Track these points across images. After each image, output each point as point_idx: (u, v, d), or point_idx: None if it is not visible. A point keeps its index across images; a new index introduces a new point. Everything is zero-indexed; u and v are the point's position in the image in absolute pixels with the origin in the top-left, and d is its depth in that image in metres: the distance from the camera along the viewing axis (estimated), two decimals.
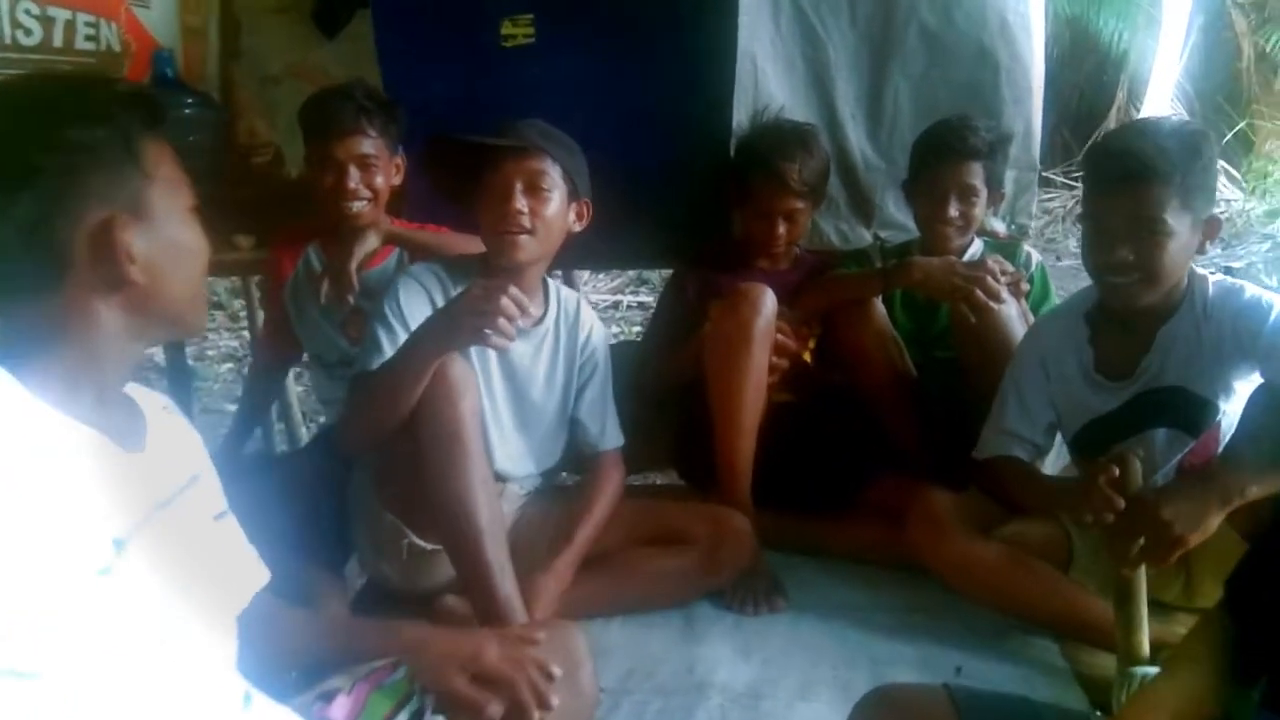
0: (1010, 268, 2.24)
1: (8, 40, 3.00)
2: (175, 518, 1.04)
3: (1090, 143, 2.03)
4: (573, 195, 1.98)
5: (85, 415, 0.97)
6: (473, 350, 1.97)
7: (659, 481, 2.72)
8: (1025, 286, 2.29)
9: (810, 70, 2.69)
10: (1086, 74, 7.89)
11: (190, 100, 3.09)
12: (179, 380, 3.27)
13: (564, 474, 2.30)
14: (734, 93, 2.62)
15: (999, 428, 2.03)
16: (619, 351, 2.73)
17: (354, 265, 2.25)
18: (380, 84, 2.58)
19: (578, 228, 2.02)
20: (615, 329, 5.57)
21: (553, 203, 1.92)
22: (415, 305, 1.92)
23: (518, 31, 2.66)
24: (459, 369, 1.76)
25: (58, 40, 3.21)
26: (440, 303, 1.93)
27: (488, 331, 1.63)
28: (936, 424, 2.30)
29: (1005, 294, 2.18)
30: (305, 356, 2.56)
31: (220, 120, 3.17)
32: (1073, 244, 7.40)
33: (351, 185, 2.24)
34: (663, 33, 2.62)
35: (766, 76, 2.65)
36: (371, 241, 2.36)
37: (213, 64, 3.47)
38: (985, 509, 2.03)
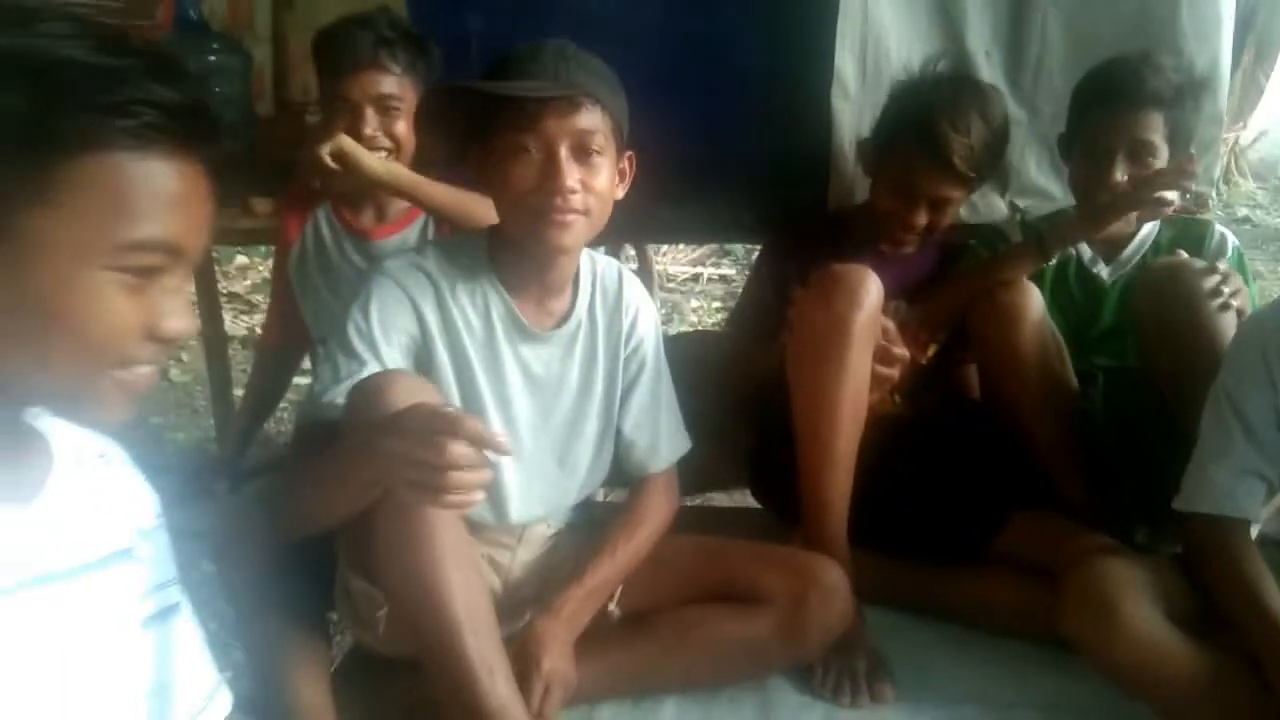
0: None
1: None
2: (66, 602, 0.75)
3: None
4: (619, 150, 1.38)
5: None
6: (481, 363, 1.41)
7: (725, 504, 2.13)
8: (1241, 301, 1.59)
9: None
10: None
11: (215, 46, 2.63)
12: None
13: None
14: (837, 25, 1.99)
15: (1221, 464, 1.39)
16: (689, 344, 2.16)
17: (327, 149, 1.67)
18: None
19: (621, 193, 1.41)
20: (695, 303, 4.99)
21: (605, 170, 1.34)
22: (394, 322, 1.35)
23: None
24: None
25: None
26: (433, 317, 1.38)
27: (441, 497, 1.03)
28: (1102, 455, 1.66)
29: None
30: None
31: (247, 68, 2.69)
32: None
33: (368, 131, 1.73)
34: None
35: (878, 4, 1.99)
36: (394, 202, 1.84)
37: (263, 13, 3.05)
38: (1181, 587, 1.40)
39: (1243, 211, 6.36)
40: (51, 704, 0.74)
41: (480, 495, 1.05)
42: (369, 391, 1.22)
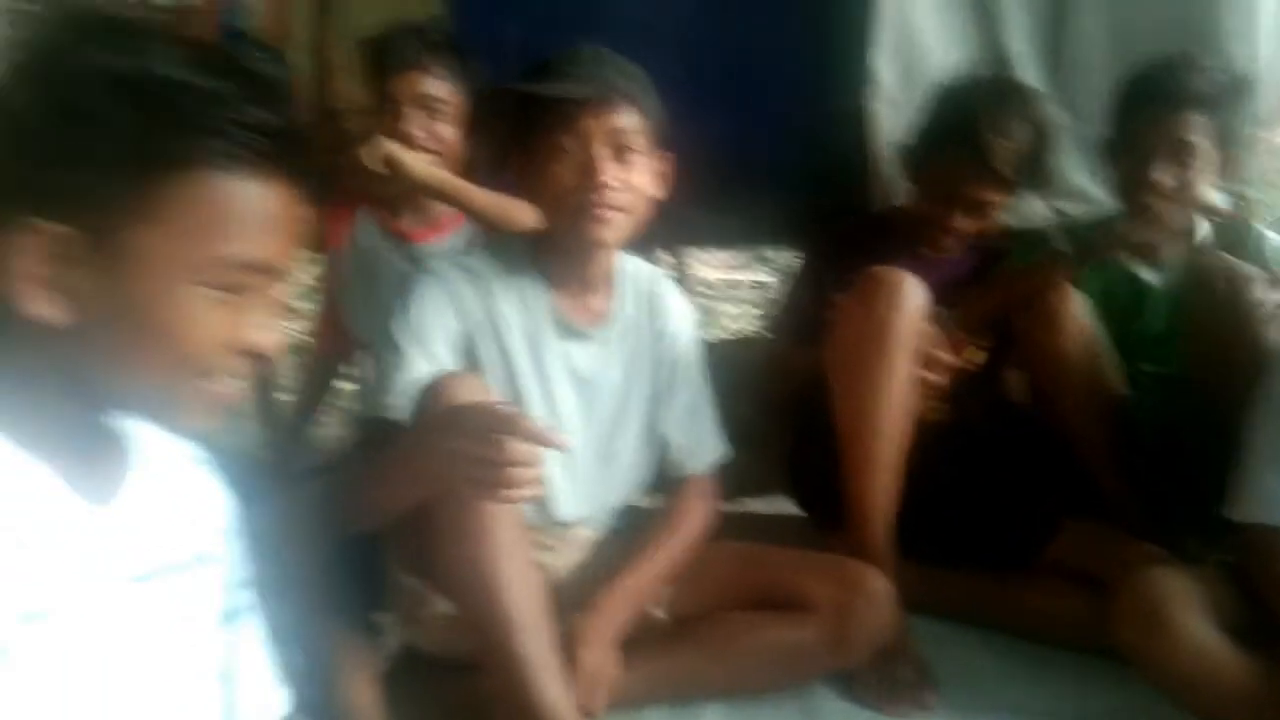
0: None
1: None
2: (146, 604, 0.77)
3: None
4: (655, 150, 1.42)
5: (29, 440, 0.71)
6: (528, 360, 1.43)
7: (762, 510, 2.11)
8: None
9: None
10: None
11: (257, 55, 2.65)
12: None
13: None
14: (873, 26, 1.99)
15: (1274, 472, 1.35)
16: (727, 349, 2.16)
17: (372, 152, 1.68)
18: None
19: (659, 192, 1.44)
20: (731, 309, 4.97)
21: (641, 168, 1.39)
22: (438, 320, 1.38)
23: None
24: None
25: None
26: (479, 315, 1.40)
27: (499, 492, 1.08)
28: (1148, 462, 1.63)
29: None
30: None
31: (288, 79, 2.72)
32: None
33: (412, 131, 1.74)
34: None
35: (914, 6, 2.00)
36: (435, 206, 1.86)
37: (303, 21, 3.09)
38: (1233, 598, 1.38)
39: None
40: (136, 698, 0.75)
41: (537, 490, 1.10)
42: (433, 392, 1.25)
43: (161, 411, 0.76)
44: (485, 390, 1.29)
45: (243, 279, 0.73)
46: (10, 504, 0.68)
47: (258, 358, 0.76)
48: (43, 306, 0.68)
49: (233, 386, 0.77)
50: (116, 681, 0.74)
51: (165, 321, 0.71)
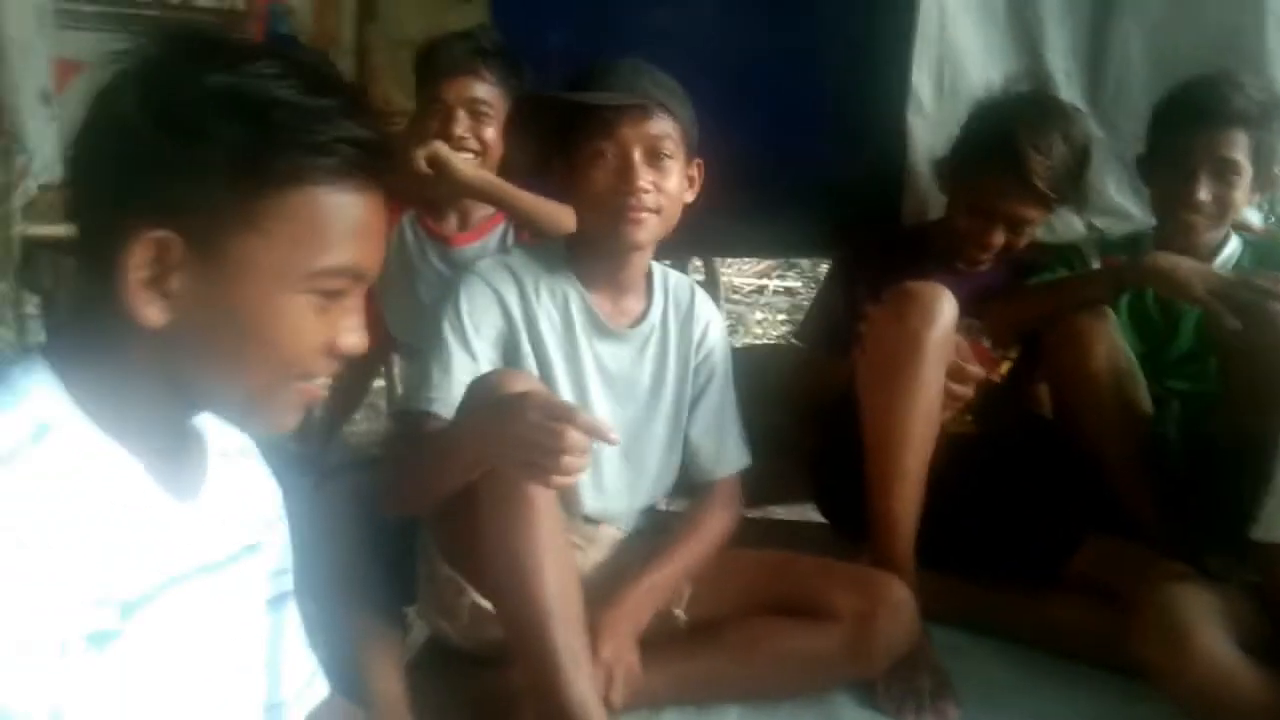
0: None
1: None
2: (214, 591, 0.81)
3: None
4: (688, 157, 1.47)
5: (126, 437, 0.74)
6: (561, 357, 1.48)
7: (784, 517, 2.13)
8: None
9: (1014, 14, 2.01)
10: None
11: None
12: None
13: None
14: (913, 44, 2.00)
15: None
16: (755, 356, 2.18)
17: (421, 153, 1.72)
18: None
19: (690, 197, 1.49)
20: (760, 315, 4.98)
21: (675, 173, 1.44)
22: (484, 317, 1.44)
23: None
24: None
25: None
26: (517, 312, 1.46)
27: (551, 477, 1.14)
28: (1174, 479, 1.63)
29: None
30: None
31: None
32: None
33: (458, 132, 1.79)
34: None
35: (956, 22, 2.00)
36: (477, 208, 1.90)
37: (347, 26, 3.15)
38: (1255, 616, 1.37)
39: None
40: (201, 684, 0.79)
41: (583, 475, 1.16)
42: (487, 384, 1.30)
43: (253, 413, 0.79)
44: (536, 385, 1.33)
45: (338, 285, 0.76)
46: (109, 500, 0.71)
47: (346, 358, 0.79)
48: (146, 309, 0.71)
49: (320, 386, 0.81)
50: (189, 670, 0.78)
51: (266, 328, 0.74)
